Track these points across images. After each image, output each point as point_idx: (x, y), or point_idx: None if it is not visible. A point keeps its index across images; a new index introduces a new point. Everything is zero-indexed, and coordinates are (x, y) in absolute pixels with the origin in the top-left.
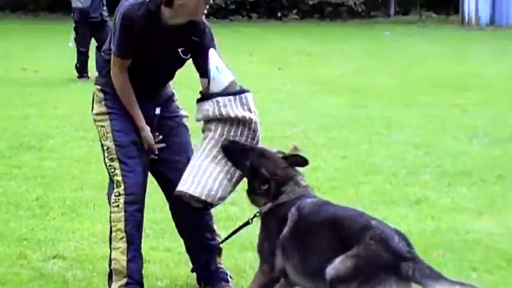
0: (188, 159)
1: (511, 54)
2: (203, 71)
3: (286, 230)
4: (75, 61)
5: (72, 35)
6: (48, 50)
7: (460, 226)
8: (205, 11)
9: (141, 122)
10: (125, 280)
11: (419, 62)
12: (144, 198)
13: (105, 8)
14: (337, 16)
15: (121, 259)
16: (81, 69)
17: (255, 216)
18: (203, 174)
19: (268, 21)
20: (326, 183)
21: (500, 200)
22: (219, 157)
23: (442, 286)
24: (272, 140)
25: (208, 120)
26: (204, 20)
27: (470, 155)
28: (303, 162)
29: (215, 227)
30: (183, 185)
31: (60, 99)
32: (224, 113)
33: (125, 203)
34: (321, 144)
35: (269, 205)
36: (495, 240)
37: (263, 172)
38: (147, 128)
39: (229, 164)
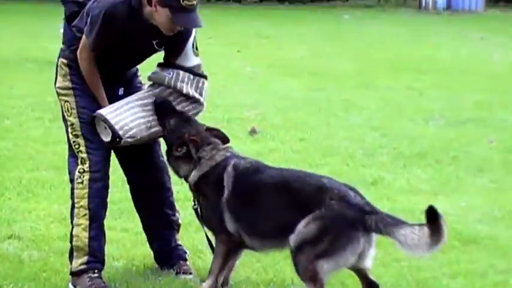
0: None
1: (467, 37)
2: (173, 54)
3: (226, 192)
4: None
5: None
6: (4, 30)
7: (415, 207)
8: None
9: (105, 103)
10: (85, 258)
11: (378, 45)
12: (108, 175)
13: None
14: None
15: (83, 236)
16: None
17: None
18: (127, 110)
19: (228, 4)
20: (283, 164)
21: (454, 181)
22: (149, 107)
23: (404, 230)
24: (230, 121)
25: (159, 85)
26: None
27: (426, 137)
28: (224, 137)
29: (175, 202)
30: (104, 110)
31: (16, 78)
32: (178, 86)
33: (90, 180)
34: (279, 126)
35: (196, 173)
36: (450, 221)
37: (182, 134)
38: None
39: (154, 116)
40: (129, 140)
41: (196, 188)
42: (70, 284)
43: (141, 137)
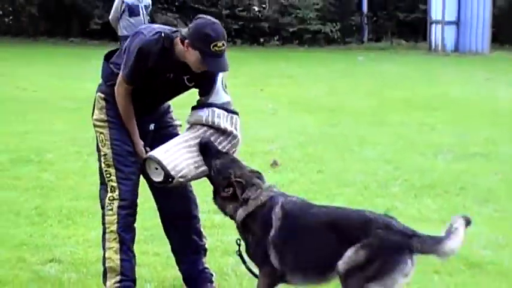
0: None
1: (474, 77)
2: (204, 91)
3: (273, 230)
4: None
5: None
6: (46, 72)
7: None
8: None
9: (136, 136)
10: (118, 277)
11: (391, 84)
12: (136, 204)
13: None
14: (315, 42)
15: (115, 258)
16: None
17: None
18: (176, 151)
19: (252, 46)
20: (302, 194)
21: (461, 210)
22: (194, 148)
23: (450, 242)
24: (253, 155)
25: (195, 124)
26: None
27: (436, 169)
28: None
29: (202, 230)
30: (155, 152)
31: (56, 116)
32: (216, 122)
33: (118, 207)
34: (298, 159)
35: (242, 211)
36: None
37: (229, 173)
38: (140, 143)
39: (200, 157)
40: (180, 179)
41: (243, 226)
42: None
43: (191, 177)
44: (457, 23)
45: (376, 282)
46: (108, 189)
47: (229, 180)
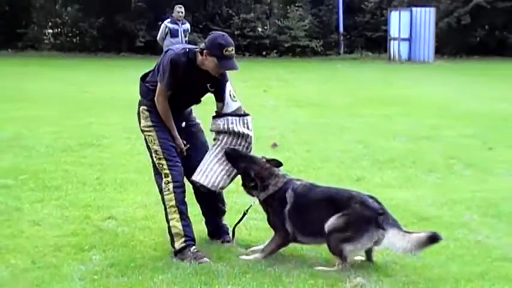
0: (204, 155)
1: (422, 80)
2: (220, 97)
3: (288, 206)
4: None
5: None
6: (103, 79)
7: (387, 196)
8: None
9: (175, 132)
10: (183, 239)
11: (361, 86)
12: (184, 183)
13: None
14: (304, 54)
15: (178, 225)
16: None
17: (248, 208)
18: (210, 171)
19: (257, 58)
20: (295, 168)
21: (413, 178)
22: (223, 159)
23: (394, 231)
24: (258, 139)
25: (218, 131)
26: None
27: (394, 149)
28: (279, 163)
29: (224, 198)
30: (196, 176)
31: (111, 111)
32: (231, 128)
33: (174, 187)
34: (292, 142)
35: (262, 195)
36: (410, 205)
37: (251, 173)
38: (178, 137)
39: (229, 164)
40: (219, 189)
41: (265, 203)
42: (175, 259)
43: (226, 184)
44: (409, 39)
45: (349, 243)
46: (163, 176)
47: (251, 177)
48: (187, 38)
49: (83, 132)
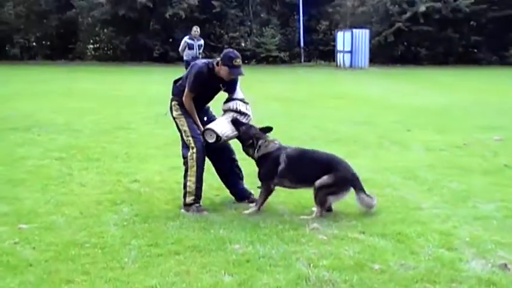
0: None
1: (360, 81)
2: (231, 91)
3: (282, 166)
4: None
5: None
6: (146, 81)
7: None
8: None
9: (197, 121)
10: (193, 197)
11: (317, 85)
12: (205, 155)
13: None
14: (275, 63)
15: (192, 186)
16: None
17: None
18: (221, 126)
19: (251, 62)
20: None
21: (355, 152)
22: (230, 123)
23: (363, 195)
24: None
25: (227, 110)
26: None
27: (341, 131)
28: (269, 128)
29: (240, 166)
30: (211, 126)
31: (136, 105)
32: (238, 108)
33: (196, 157)
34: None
35: (258, 153)
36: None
37: (250, 133)
38: (201, 126)
39: (233, 127)
40: (224, 138)
41: (258, 162)
42: (182, 210)
43: (230, 137)
44: (351, 52)
45: (333, 195)
46: (190, 148)
47: (250, 136)
48: (201, 51)
49: (115, 119)
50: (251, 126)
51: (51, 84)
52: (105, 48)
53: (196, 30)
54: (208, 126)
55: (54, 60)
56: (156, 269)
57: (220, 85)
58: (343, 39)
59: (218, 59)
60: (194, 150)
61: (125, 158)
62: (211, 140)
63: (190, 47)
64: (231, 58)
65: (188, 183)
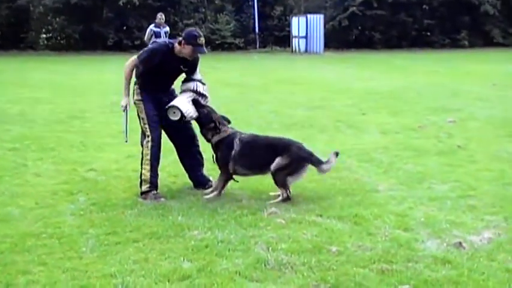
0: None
1: (315, 66)
2: (191, 72)
3: (234, 150)
4: None
5: None
6: (84, 70)
7: None
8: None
9: (127, 95)
10: (148, 185)
11: (266, 70)
12: (160, 143)
13: None
14: (230, 49)
15: (147, 174)
16: None
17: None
18: (185, 104)
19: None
20: None
21: (311, 136)
22: (191, 103)
23: (326, 165)
24: None
25: (185, 91)
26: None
27: (297, 116)
28: (227, 120)
29: (202, 152)
30: (175, 103)
31: (91, 92)
32: (199, 89)
33: (151, 146)
34: (223, 112)
35: (217, 138)
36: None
37: (212, 116)
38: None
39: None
40: (187, 118)
41: (216, 146)
42: (140, 199)
43: (193, 118)
44: (306, 37)
45: (292, 175)
46: (146, 136)
47: (212, 119)
48: (167, 38)
49: (70, 109)
50: (212, 109)
51: (3, 75)
52: (58, 38)
53: (161, 17)
54: (173, 103)
55: (5, 50)
56: (115, 257)
57: (181, 66)
58: (297, 24)
59: (180, 38)
60: (149, 138)
61: (80, 147)
62: (175, 118)
63: (157, 35)
64: (195, 37)
65: (143, 171)
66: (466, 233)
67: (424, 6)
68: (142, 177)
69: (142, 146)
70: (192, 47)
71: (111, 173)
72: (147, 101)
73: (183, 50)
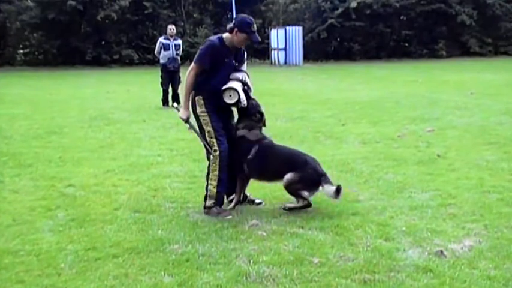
0: None
1: (294, 78)
2: (240, 64)
3: (251, 154)
4: (161, 96)
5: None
6: (62, 85)
7: None
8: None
9: (188, 106)
10: (213, 201)
11: (254, 81)
12: (228, 158)
13: (179, 62)
14: None
15: (213, 190)
16: (164, 101)
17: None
18: (241, 90)
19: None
20: None
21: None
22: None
23: (329, 187)
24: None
25: (235, 79)
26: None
27: (277, 127)
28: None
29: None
30: (234, 85)
31: (69, 108)
32: (246, 81)
33: (220, 161)
34: None
35: (243, 132)
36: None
37: (259, 107)
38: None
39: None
40: (242, 104)
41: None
42: (204, 214)
43: (244, 104)
44: (285, 49)
45: (304, 191)
46: (213, 151)
47: (259, 111)
48: (179, 52)
49: (48, 124)
50: (258, 102)
51: None
52: (36, 53)
53: (172, 28)
54: (232, 85)
55: None
56: (94, 273)
57: (234, 61)
58: (276, 36)
59: (231, 25)
60: (217, 153)
61: (58, 162)
62: (231, 101)
63: (166, 47)
64: (249, 24)
65: (209, 187)
66: (447, 241)
67: (402, 17)
68: (208, 192)
69: (209, 160)
70: (246, 34)
71: (89, 188)
72: (212, 112)
73: (234, 37)
